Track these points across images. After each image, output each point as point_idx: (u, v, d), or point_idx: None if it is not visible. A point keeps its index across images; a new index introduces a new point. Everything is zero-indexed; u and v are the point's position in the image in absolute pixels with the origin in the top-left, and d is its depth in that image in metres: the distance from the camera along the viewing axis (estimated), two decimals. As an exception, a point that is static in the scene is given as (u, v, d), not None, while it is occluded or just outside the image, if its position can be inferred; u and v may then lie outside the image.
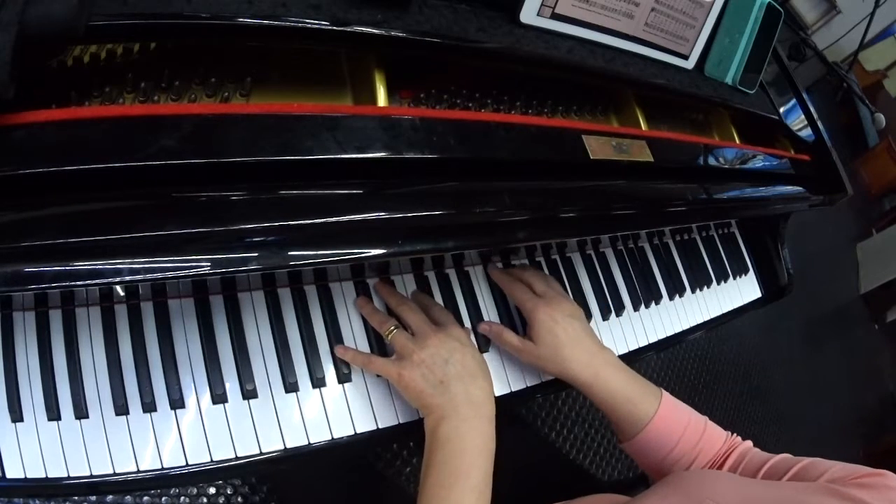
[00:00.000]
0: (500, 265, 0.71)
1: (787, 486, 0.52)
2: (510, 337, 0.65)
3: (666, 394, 0.64)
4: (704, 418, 0.64)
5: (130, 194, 0.39)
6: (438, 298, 0.66)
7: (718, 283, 0.95)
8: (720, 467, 0.61)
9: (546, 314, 0.63)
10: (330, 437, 0.56)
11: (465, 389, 0.54)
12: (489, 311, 0.69)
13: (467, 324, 0.67)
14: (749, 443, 0.63)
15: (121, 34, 0.44)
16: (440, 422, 0.53)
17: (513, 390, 0.68)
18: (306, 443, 0.55)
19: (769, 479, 0.55)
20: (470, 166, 0.53)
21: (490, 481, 0.52)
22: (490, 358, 0.67)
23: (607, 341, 0.76)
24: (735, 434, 0.64)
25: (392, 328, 0.58)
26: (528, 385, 0.69)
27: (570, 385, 0.64)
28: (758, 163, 0.85)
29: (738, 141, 0.91)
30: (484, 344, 0.67)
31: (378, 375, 0.59)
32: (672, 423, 0.62)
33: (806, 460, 0.55)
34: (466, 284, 0.68)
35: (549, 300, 0.65)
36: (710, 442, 0.62)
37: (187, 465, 0.51)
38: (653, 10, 0.68)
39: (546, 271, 0.75)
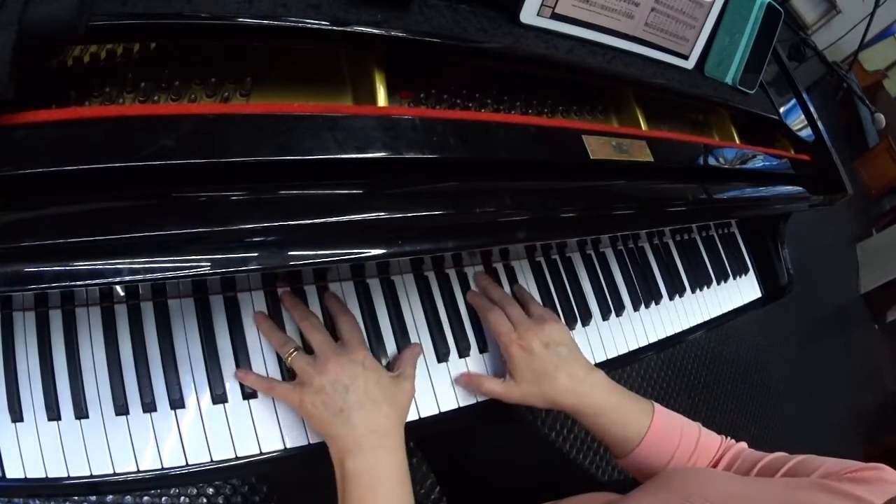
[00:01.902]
0: (499, 265, 0.71)
1: (777, 482, 0.51)
2: (490, 384, 0.62)
3: (657, 408, 0.62)
4: (697, 425, 0.63)
5: (130, 194, 0.39)
6: (438, 299, 0.66)
7: (718, 283, 0.95)
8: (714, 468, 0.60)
9: (520, 348, 0.61)
10: (330, 437, 0.56)
11: (368, 418, 0.51)
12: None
13: (468, 326, 0.66)
14: (743, 444, 0.63)
15: (121, 34, 0.44)
16: (346, 455, 0.50)
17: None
18: (306, 443, 0.55)
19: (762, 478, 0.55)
20: (470, 166, 0.53)
21: None
22: (490, 358, 0.67)
23: (607, 341, 0.76)
24: (729, 438, 0.64)
25: (292, 350, 0.54)
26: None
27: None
28: (758, 163, 0.85)
29: (738, 141, 0.91)
30: (484, 343, 0.66)
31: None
32: (665, 437, 0.61)
33: (799, 457, 0.54)
34: (465, 285, 0.68)
35: (522, 332, 0.62)
36: (706, 449, 0.61)
37: (187, 465, 0.51)
38: (653, 10, 0.68)
39: (546, 271, 0.74)
